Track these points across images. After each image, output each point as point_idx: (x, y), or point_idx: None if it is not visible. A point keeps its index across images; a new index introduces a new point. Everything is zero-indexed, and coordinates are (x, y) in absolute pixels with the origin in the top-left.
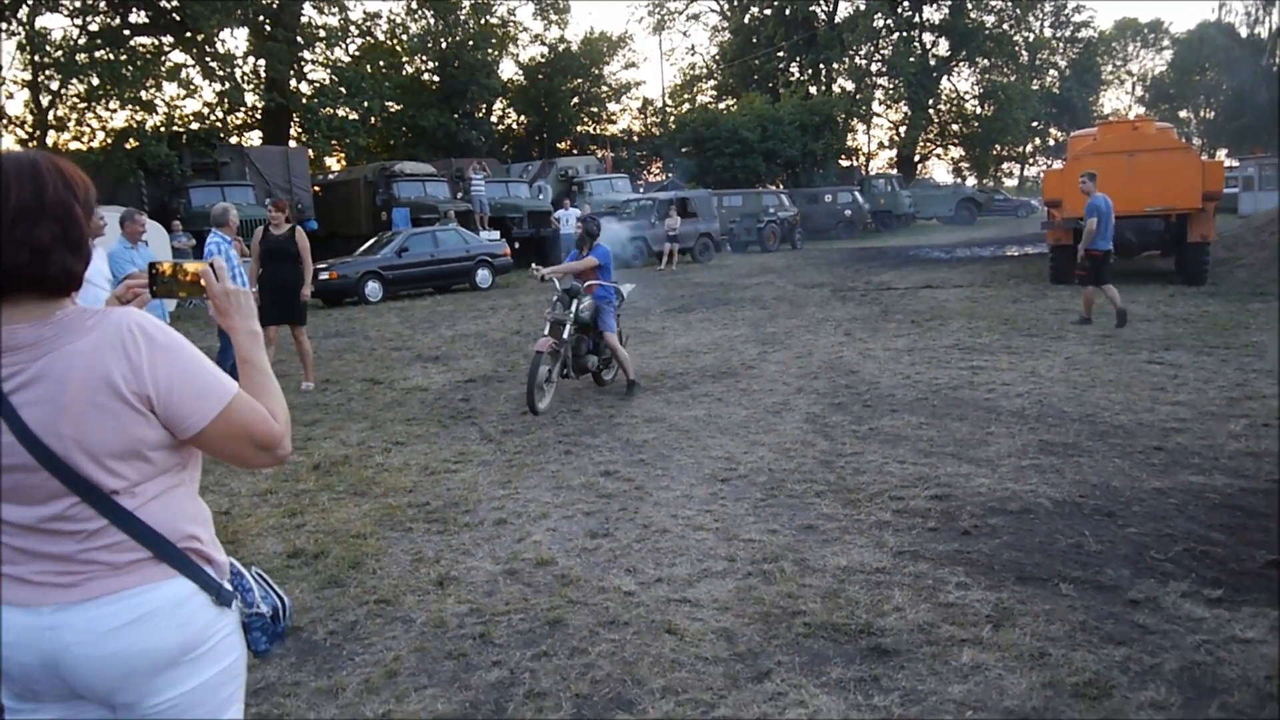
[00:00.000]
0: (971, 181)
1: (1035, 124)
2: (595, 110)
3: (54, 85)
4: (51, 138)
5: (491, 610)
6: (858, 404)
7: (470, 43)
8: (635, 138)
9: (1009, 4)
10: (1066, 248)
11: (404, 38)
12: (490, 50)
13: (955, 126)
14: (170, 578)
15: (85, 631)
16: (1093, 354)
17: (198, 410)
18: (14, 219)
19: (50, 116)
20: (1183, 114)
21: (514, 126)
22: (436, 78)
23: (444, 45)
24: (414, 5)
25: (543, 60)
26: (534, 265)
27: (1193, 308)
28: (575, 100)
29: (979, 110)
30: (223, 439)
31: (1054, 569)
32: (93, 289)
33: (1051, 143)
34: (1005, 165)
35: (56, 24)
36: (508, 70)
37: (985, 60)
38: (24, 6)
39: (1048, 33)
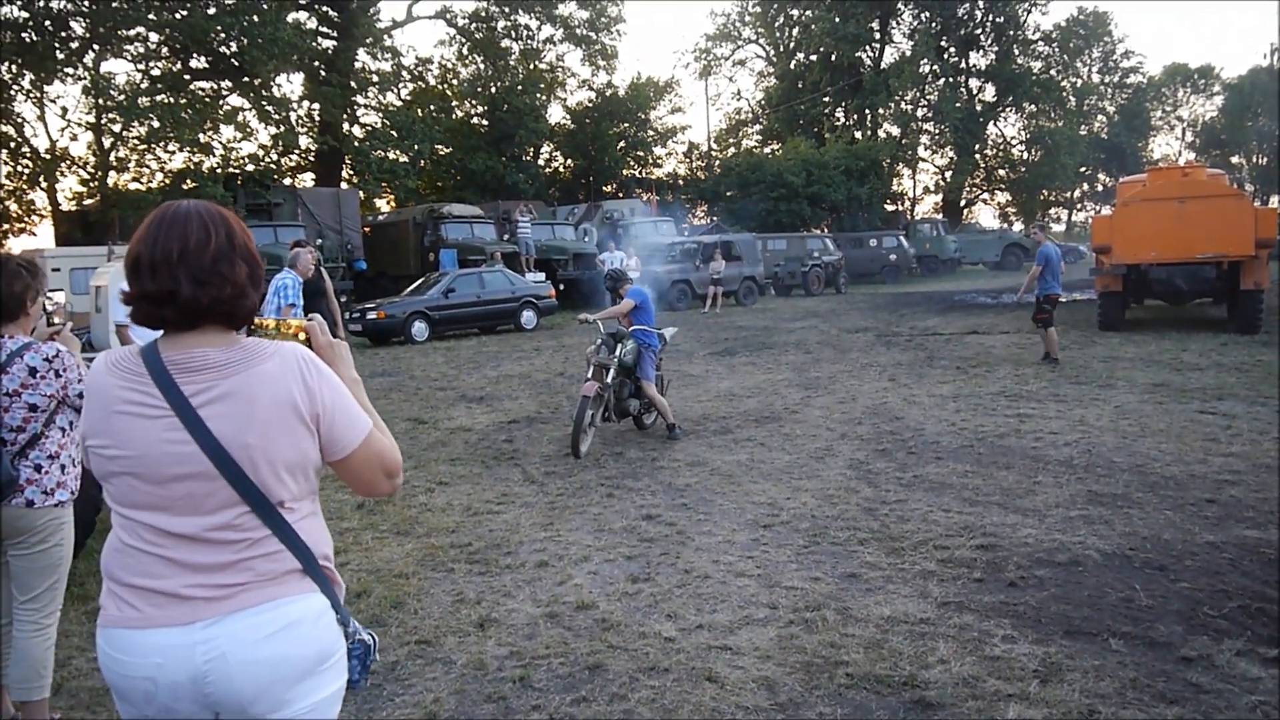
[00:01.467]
0: (1018, 227)
1: (1083, 169)
2: (641, 154)
3: (116, 128)
4: (113, 178)
5: (532, 653)
6: (902, 451)
7: (519, 87)
8: (680, 181)
9: (1056, 50)
10: (1116, 294)
11: (454, 83)
12: (539, 95)
13: (1001, 171)
14: (313, 591)
15: (240, 640)
16: (1143, 403)
17: (350, 435)
18: (214, 259)
19: (112, 157)
20: (1234, 159)
21: (561, 170)
22: (485, 121)
23: (493, 90)
24: (465, 51)
25: (590, 105)
26: (583, 315)
27: (1246, 356)
28: (621, 144)
29: (1026, 155)
30: (362, 464)
31: (1103, 623)
32: None
33: (1100, 188)
34: (1052, 210)
35: (120, 69)
36: (555, 114)
37: (1032, 105)
38: (90, 52)
39: (1095, 78)
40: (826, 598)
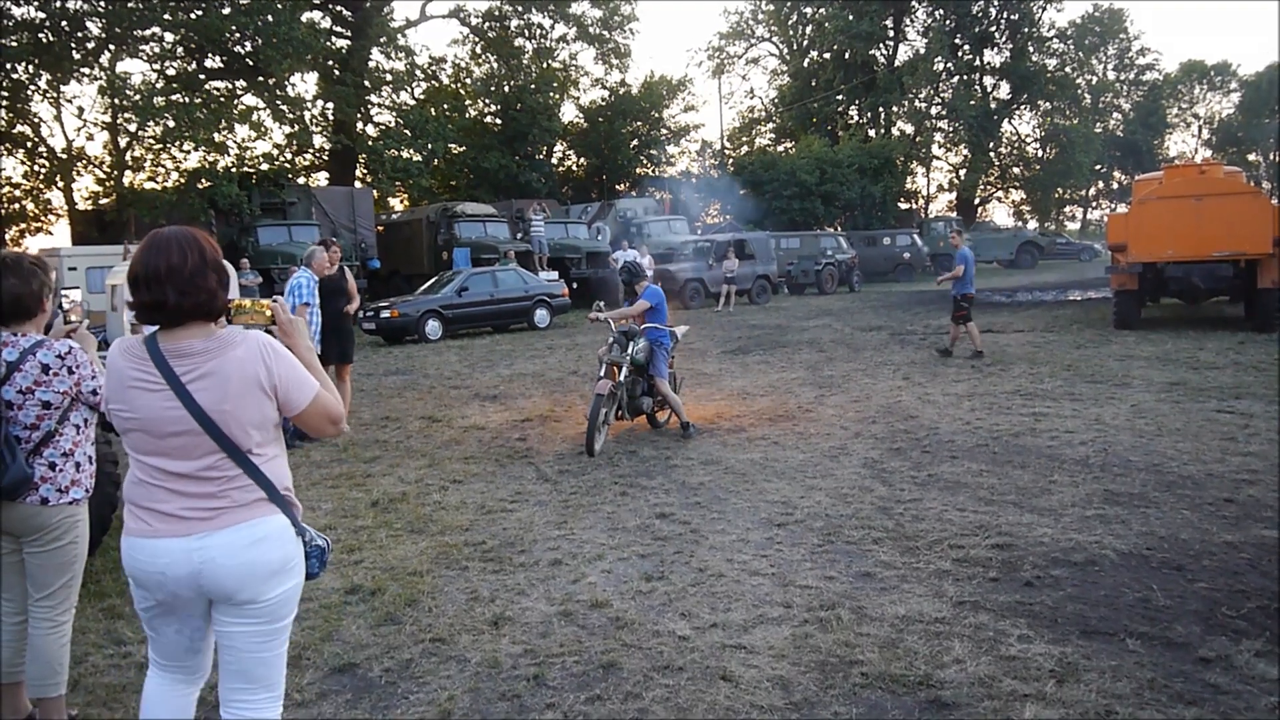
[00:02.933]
0: (1033, 225)
1: (1098, 167)
2: (654, 152)
3: (132, 127)
4: (128, 178)
5: (546, 652)
6: (916, 450)
7: (532, 86)
8: (693, 179)
9: (1071, 47)
10: (1132, 293)
11: (468, 82)
12: (552, 94)
13: (1016, 169)
14: (276, 513)
15: (224, 549)
16: (1159, 402)
17: (301, 397)
18: (191, 274)
19: (127, 157)
20: (1251, 157)
21: (574, 168)
22: (499, 120)
23: (507, 89)
24: (478, 50)
25: (603, 103)
26: (596, 304)
27: (1264, 355)
28: (634, 142)
29: (1041, 153)
30: (312, 416)
31: (1120, 623)
32: None
33: (1115, 186)
34: (1067, 208)
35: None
36: (569, 113)
37: (1047, 103)
38: (106, 52)
39: (1111, 76)
40: (841, 597)
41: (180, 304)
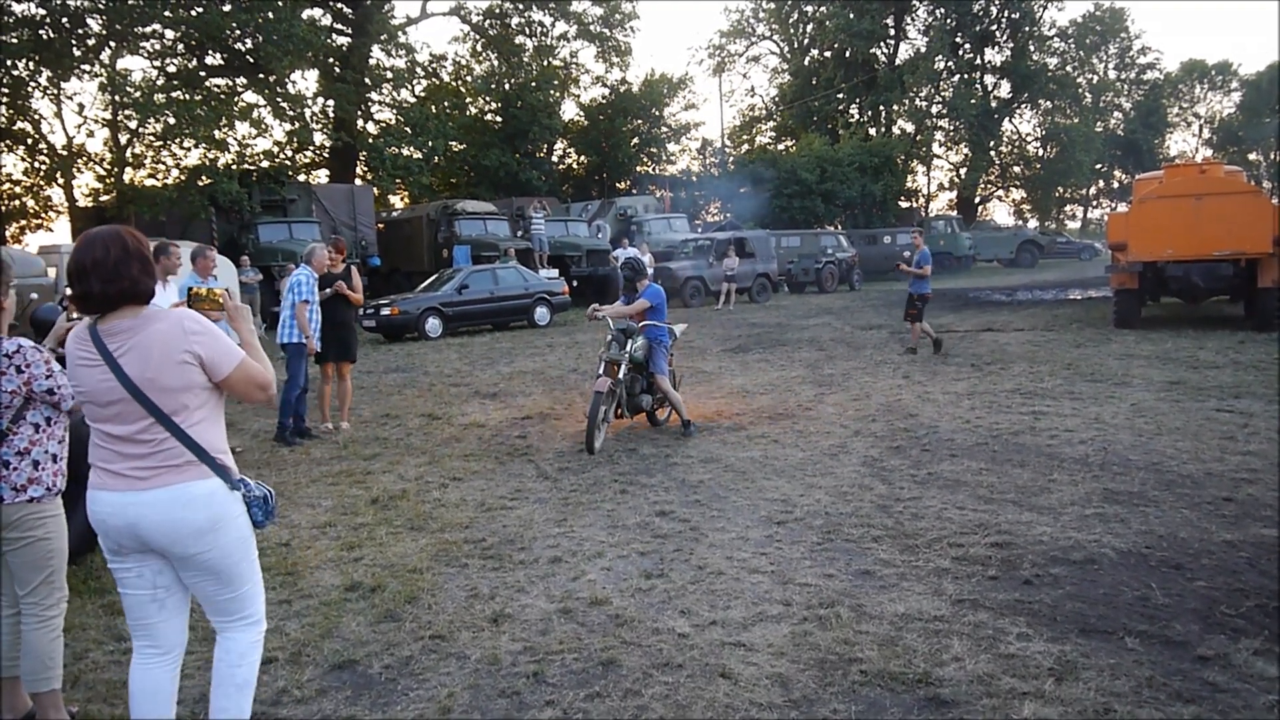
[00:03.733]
0: (1033, 224)
1: (1099, 166)
2: (655, 150)
3: (132, 124)
4: (129, 174)
5: (545, 649)
6: (916, 448)
7: (533, 84)
8: (694, 178)
9: (1072, 46)
10: (1132, 292)
11: (468, 79)
12: (552, 91)
13: (1017, 168)
14: (206, 476)
15: (153, 507)
16: (1159, 401)
17: (225, 364)
18: (115, 264)
19: (128, 154)
20: (1252, 156)
21: (574, 166)
22: (499, 118)
23: (507, 87)
24: (479, 47)
25: (604, 101)
26: (594, 306)
27: (1263, 355)
28: (635, 140)
29: (1041, 152)
30: (238, 382)
31: (1119, 622)
32: None
33: (1116, 185)
34: (1068, 208)
35: (136, 65)
36: (569, 111)
37: (1048, 102)
38: (107, 49)
39: (1112, 75)
40: (840, 595)
41: (106, 291)
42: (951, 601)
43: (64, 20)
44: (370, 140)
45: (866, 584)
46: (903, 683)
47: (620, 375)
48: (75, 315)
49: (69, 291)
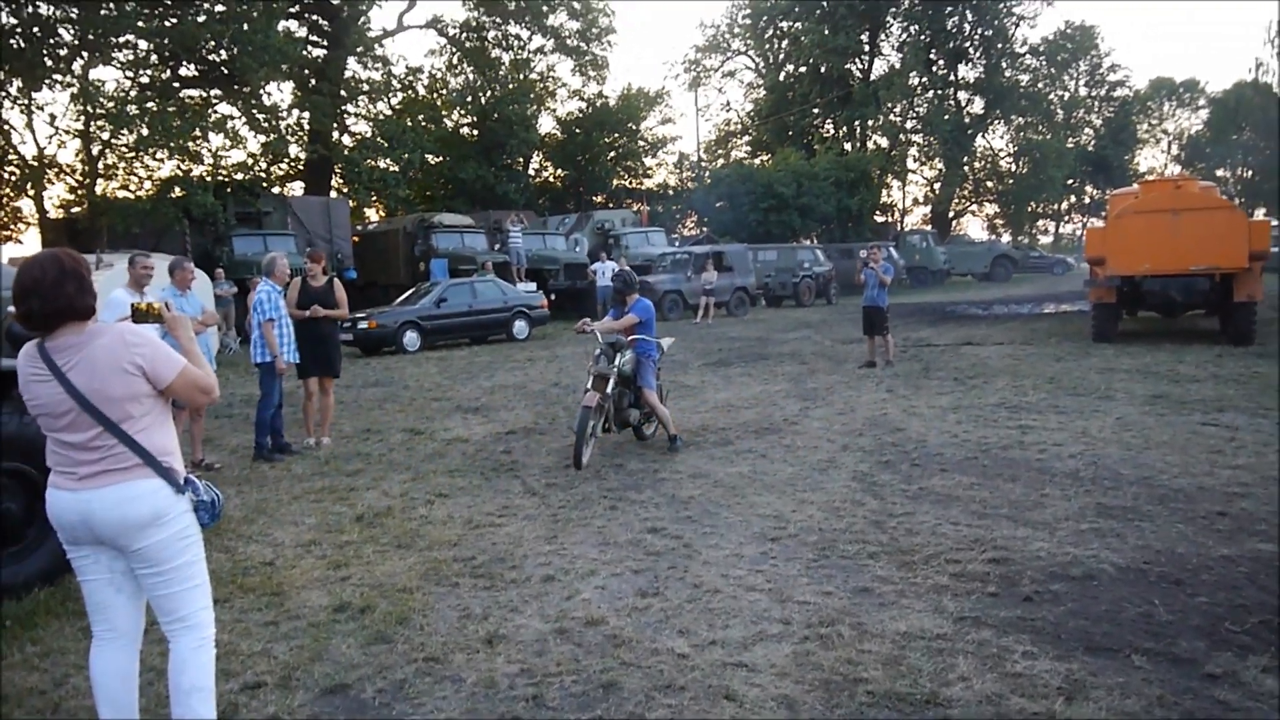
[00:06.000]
0: (1006, 238)
1: (1070, 181)
2: (631, 164)
3: (105, 135)
4: (101, 186)
5: (543, 671)
6: (906, 463)
7: (510, 97)
8: (670, 192)
9: (1044, 63)
10: (1110, 306)
11: (444, 92)
12: (529, 105)
13: (990, 183)
14: (150, 477)
15: (100, 504)
16: (1144, 415)
17: (167, 371)
18: (53, 283)
19: (100, 165)
20: (1220, 173)
21: (551, 179)
22: (476, 131)
23: (483, 100)
24: (455, 60)
25: (580, 115)
26: (583, 320)
27: (1242, 368)
28: (612, 154)
29: (1014, 167)
30: (182, 387)
31: (1124, 639)
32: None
33: (1087, 200)
34: (1040, 222)
35: (109, 76)
36: (546, 124)
37: (1020, 118)
38: (79, 60)
39: (1083, 91)
40: (840, 613)
41: (44, 310)
42: (953, 619)
43: (35, 30)
44: (346, 152)
45: (866, 601)
46: (910, 703)
47: (608, 390)
48: None
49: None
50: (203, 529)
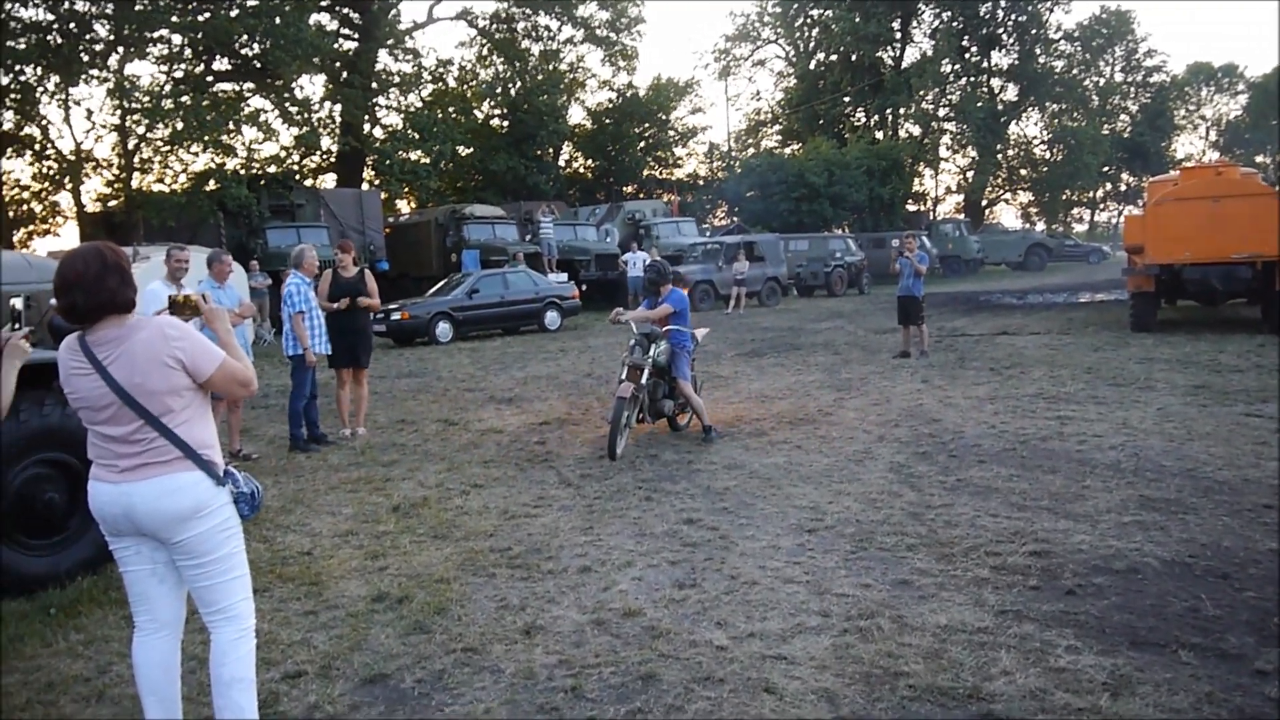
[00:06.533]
0: (1040, 227)
1: (1106, 169)
2: (661, 154)
3: (140, 129)
4: (136, 179)
5: (581, 662)
6: (943, 454)
7: (540, 88)
8: (701, 182)
9: (1079, 49)
10: (1148, 295)
11: (475, 84)
12: (559, 96)
13: (1024, 171)
14: (191, 469)
15: (142, 496)
16: (1186, 405)
17: (207, 365)
18: (95, 277)
19: (136, 159)
20: (1259, 158)
21: (581, 170)
22: (506, 122)
23: (514, 91)
24: (485, 52)
25: (610, 105)
26: (616, 310)
27: None
28: (642, 145)
29: (1048, 155)
30: (221, 380)
31: (1171, 634)
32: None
33: (1123, 188)
34: (1075, 210)
35: (144, 71)
36: (576, 115)
37: (1054, 105)
38: (115, 55)
39: (1118, 77)
40: (880, 605)
41: (86, 303)
42: (994, 612)
43: (71, 25)
44: (377, 144)
45: (905, 594)
46: (953, 698)
47: (643, 380)
48: (16, 326)
49: (13, 304)
50: (243, 520)
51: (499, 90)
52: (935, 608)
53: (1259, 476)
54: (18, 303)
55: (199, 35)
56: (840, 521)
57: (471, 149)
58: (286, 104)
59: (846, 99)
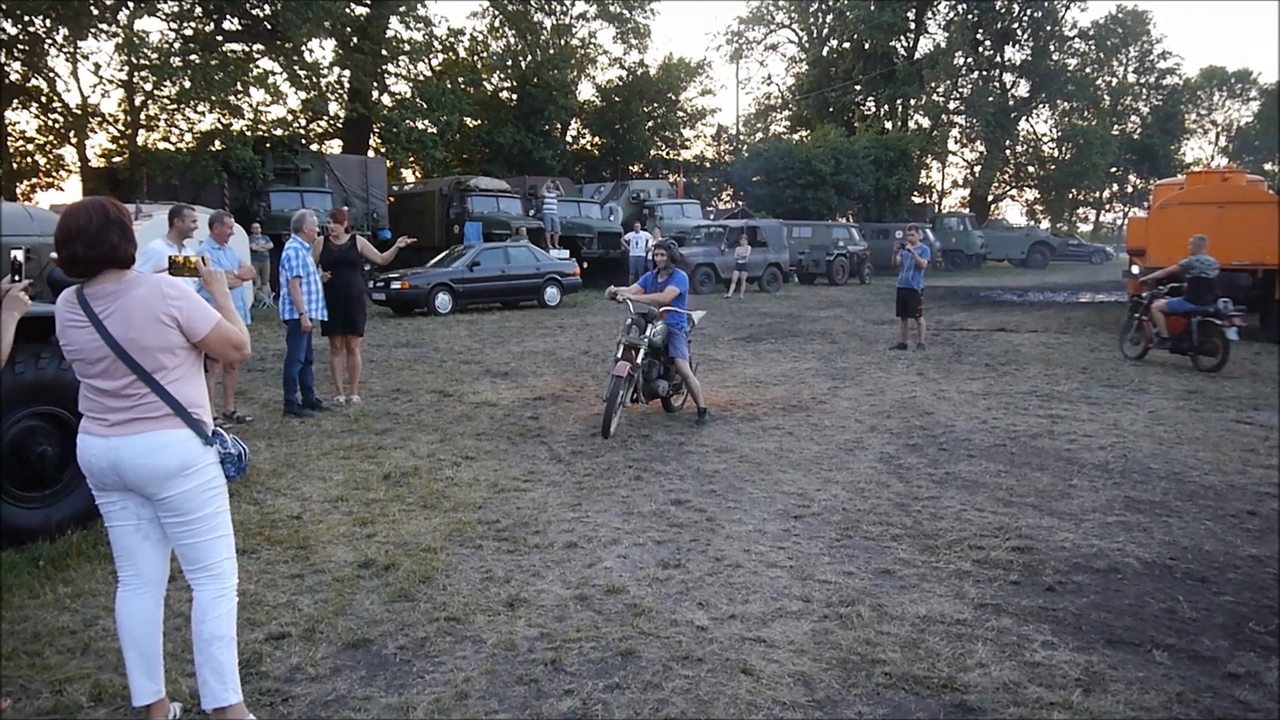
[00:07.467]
0: (1045, 225)
1: (1114, 170)
2: (669, 135)
3: (148, 86)
4: (142, 136)
5: (562, 636)
6: (933, 447)
7: (550, 63)
8: (707, 164)
9: (1093, 47)
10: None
11: (485, 55)
12: (569, 71)
13: (1031, 168)
14: (180, 427)
15: (130, 451)
16: (1177, 409)
17: (201, 325)
18: (97, 230)
19: (142, 116)
20: (1268, 166)
21: (588, 147)
22: (515, 96)
23: (524, 64)
24: (497, 23)
25: (620, 83)
26: (611, 288)
27: None
28: (650, 124)
29: (1057, 153)
30: (215, 341)
31: (1146, 634)
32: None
33: (1130, 189)
34: (1081, 210)
35: (154, 27)
36: (585, 91)
37: (1066, 103)
38: (124, 10)
39: (1131, 78)
40: (860, 593)
41: (89, 256)
42: (974, 605)
43: None
44: (385, 112)
45: (886, 583)
46: (927, 687)
47: (638, 360)
48: (16, 278)
49: (13, 255)
50: (229, 482)
51: (509, 63)
52: (915, 598)
53: (1245, 483)
54: (18, 255)
55: None
56: (827, 509)
57: (479, 121)
58: (295, 67)
59: (857, 87)
